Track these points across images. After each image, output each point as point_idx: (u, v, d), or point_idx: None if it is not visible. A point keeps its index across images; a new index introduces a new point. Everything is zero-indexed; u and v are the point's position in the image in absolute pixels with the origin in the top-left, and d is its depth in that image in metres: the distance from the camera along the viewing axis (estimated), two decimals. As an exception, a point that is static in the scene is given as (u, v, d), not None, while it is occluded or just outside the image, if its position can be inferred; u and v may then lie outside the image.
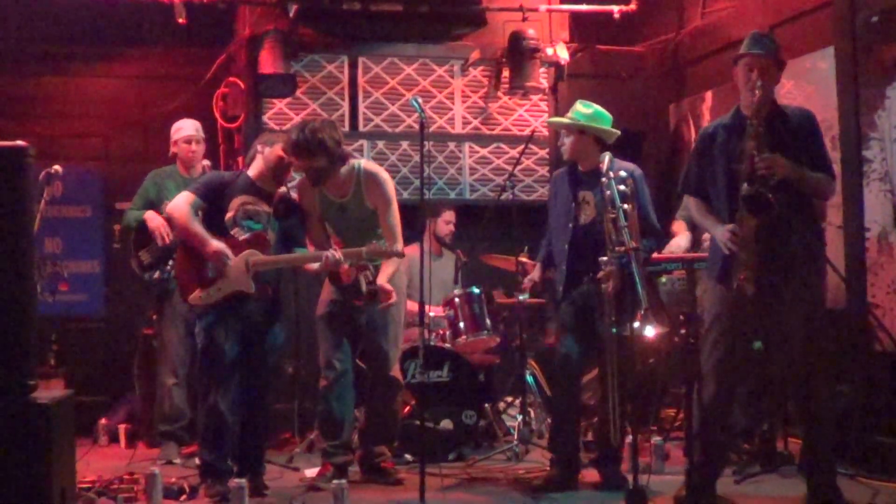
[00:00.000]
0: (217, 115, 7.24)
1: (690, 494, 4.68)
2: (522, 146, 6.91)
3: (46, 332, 6.89)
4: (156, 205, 6.13)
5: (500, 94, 7.44)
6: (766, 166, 4.35)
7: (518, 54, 7.17)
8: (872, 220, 5.74)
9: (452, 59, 7.41)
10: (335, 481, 4.75)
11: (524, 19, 7.23)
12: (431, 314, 6.28)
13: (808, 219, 4.60)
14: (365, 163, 5.47)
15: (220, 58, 7.49)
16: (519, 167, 7.03)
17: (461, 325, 6.30)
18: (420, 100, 5.29)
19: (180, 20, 6.72)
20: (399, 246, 5.25)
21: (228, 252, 5.04)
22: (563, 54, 7.32)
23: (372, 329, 5.41)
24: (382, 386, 5.48)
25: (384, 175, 5.41)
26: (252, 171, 5.26)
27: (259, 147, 5.27)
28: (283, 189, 5.32)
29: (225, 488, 4.89)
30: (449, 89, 7.40)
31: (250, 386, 5.17)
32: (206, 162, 6.40)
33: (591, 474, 5.35)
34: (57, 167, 5.58)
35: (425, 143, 5.17)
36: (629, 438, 4.81)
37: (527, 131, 7.27)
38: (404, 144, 7.29)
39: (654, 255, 5.48)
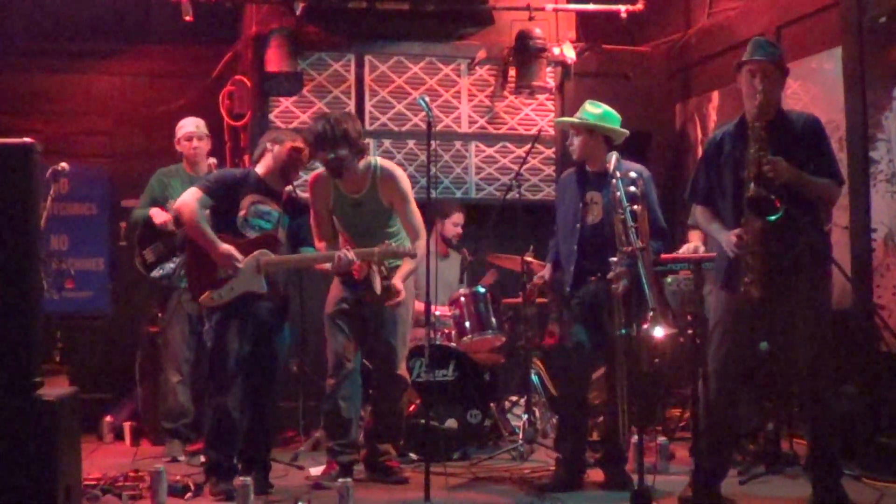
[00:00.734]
0: (223, 112, 7.22)
1: (695, 495, 4.68)
2: (529, 145, 6.91)
3: (51, 329, 6.89)
4: (161, 203, 6.15)
5: (506, 93, 7.43)
6: (771, 168, 4.34)
7: (524, 53, 7.17)
8: (879, 222, 5.73)
9: (459, 58, 7.40)
10: (340, 480, 4.76)
11: (531, 18, 7.22)
12: (437, 313, 6.28)
13: (813, 220, 4.59)
14: (381, 160, 5.48)
15: (226, 56, 7.50)
16: (525, 166, 7.00)
17: (467, 324, 6.30)
18: (427, 98, 5.27)
19: (187, 18, 6.71)
20: (422, 242, 5.27)
21: (237, 254, 5.02)
22: (569, 54, 7.31)
23: (381, 327, 5.41)
24: (389, 384, 5.48)
25: (400, 172, 5.43)
26: (260, 169, 5.24)
27: (268, 144, 5.25)
28: (289, 188, 5.31)
29: (230, 486, 4.88)
30: (455, 88, 7.39)
31: (258, 385, 5.17)
32: (212, 160, 6.40)
33: (595, 474, 5.35)
34: (63, 164, 5.60)
35: (432, 142, 5.17)
36: (634, 438, 4.80)
37: (533, 130, 7.27)
38: (410, 143, 7.28)
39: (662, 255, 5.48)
